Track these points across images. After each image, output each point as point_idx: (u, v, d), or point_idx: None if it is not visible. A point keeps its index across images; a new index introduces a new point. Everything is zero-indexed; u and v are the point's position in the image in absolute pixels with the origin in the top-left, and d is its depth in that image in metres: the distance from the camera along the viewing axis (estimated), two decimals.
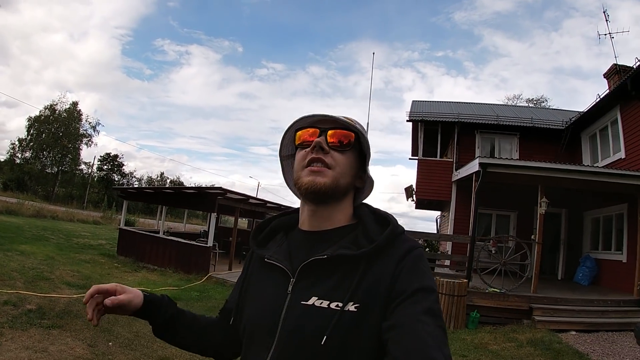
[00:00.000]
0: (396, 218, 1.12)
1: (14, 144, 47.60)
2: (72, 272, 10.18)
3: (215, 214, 14.06)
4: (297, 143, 1.14)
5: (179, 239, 14.63)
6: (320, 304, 0.98)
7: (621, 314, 8.75)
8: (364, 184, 1.18)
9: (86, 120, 51.46)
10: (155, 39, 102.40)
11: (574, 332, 8.03)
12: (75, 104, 50.53)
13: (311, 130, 1.11)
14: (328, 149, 1.07)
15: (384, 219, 1.10)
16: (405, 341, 0.85)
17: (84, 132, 51.20)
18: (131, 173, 61.83)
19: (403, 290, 0.94)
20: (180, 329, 1.25)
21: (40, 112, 48.02)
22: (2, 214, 21.56)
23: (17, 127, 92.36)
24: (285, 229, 1.23)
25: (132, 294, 1.20)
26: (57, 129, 48.22)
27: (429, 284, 0.96)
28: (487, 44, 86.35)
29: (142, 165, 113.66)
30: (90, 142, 51.77)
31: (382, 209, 1.15)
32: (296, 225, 1.20)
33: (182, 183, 64.41)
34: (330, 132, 1.09)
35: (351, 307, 0.95)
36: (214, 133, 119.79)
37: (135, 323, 6.64)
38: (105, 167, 56.36)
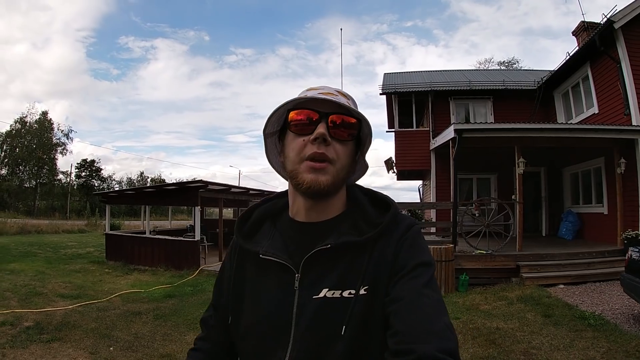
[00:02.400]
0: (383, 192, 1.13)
1: None
2: (65, 283, 10.18)
3: (199, 207, 13.98)
4: (291, 127, 1.02)
5: (166, 237, 14.63)
6: (333, 294, 0.96)
7: (607, 264, 8.98)
8: (356, 171, 1.13)
9: (58, 129, 50.41)
10: (119, 37, 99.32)
11: (562, 286, 8.24)
12: (45, 113, 49.52)
13: (309, 113, 1.00)
14: (330, 140, 0.98)
15: (382, 202, 1.09)
16: (407, 313, 0.85)
17: (58, 141, 50.18)
18: (110, 176, 60.72)
19: (403, 265, 0.94)
20: None
21: (10, 126, 46.97)
22: None
23: None
24: (272, 217, 1.16)
25: None
26: (30, 142, 47.19)
27: (428, 259, 0.97)
28: (455, 10, 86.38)
29: (120, 168, 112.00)
30: (65, 151, 50.79)
31: (363, 184, 1.13)
32: (283, 212, 1.14)
33: (163, 180, 63.61)
34: (332, 118, 0.99)
35: (362, 291, 0.94)
36: (189, 126, 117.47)
37: (133, 325, 6.72)
38: (84, 173, 55.37)
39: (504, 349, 5.09)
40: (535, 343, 5.23)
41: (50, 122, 49.53)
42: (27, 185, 48.08)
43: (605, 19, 11.19)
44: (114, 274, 12.30)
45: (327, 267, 0.98)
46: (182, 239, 14.38)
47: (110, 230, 16.26)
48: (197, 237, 13.36)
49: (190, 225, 18.64)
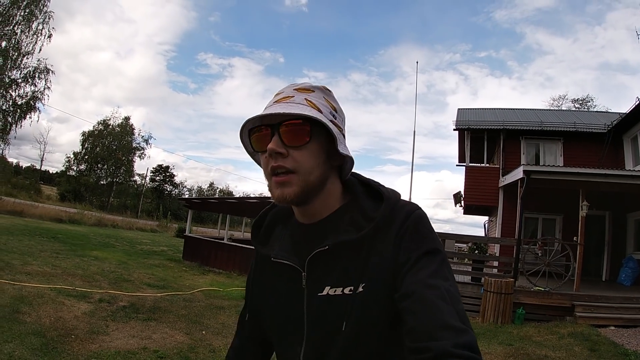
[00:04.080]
0: (382, 184, 1.11)
1: (69, 157, 50.82)
2: (148, 274, 11.48)
3: None
4: (254, 147, 1.05)
5: (243, 245, 15.71)
6: (334, 292, 0.99)
7: None
8: (342, 161, 1.07)
9: (139, 134, 54.17)
10: (199, 53, 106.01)
11: (612, 327, 8.74)
12: (127, 118, 53.27)
13: (263, 130, 1.00)
14: (286, 151, 0.97)
15: (377, 192, 1.08)
16: (418, 309, 0.85)
17: (137, 145, 53.86)
18: (182, 183, 64.35)
19: (408, 257, 0.94)
20: None
21: (93, 127, 51.02)
22: (67, 223, 23.76)
23: (68, 141, 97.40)
24: (283, 220, 1.19)
25: None
26: (111, 143, 50.95)
27: (433, 245, 0.96)
28: (530, 41, 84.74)
29: (189, 176, 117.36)
30: (143, 155, 54.35)
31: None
32: (292, 215, 1.16)
33: (231, 192, 66.73)
34: (282, 128, 0.97)
35: (361, 288, 0.96)
36: None
37: (219, 316, 7.82)
38: (158, 177, 59.08)
39: None
40: None
41: (131, 127, 53.30)
42: (103, 182, 51.81)
43: None
44: (191, 272, 13.55)
45: (329, 266, 1.01)
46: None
47: (179, 233, 17.65)
48: None
49: None
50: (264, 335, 1.23)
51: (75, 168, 50.64)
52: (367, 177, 1.15)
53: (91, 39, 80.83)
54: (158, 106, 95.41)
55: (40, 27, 26.42)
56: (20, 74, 26.84)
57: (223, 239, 17.16)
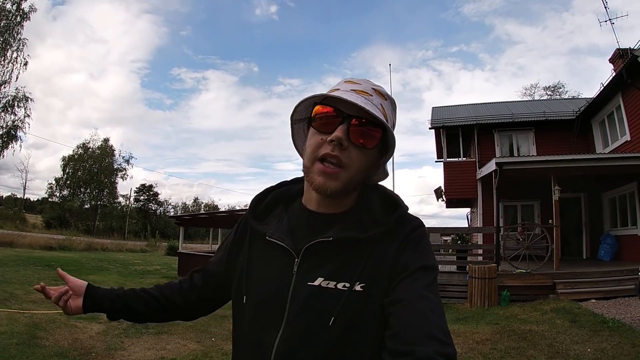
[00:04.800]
0: (405, 202, 1.10)
1: (51, 183, 50.28)
2: None
3: None
4: (313, 121, 1.02)
5: None
6: (327, 284, 0.97)
7: (636, 281, 9.77)
8: (377, 175, 1.12)
9: (119, 155, 53.85)
10: (172, 69, 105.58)
11: (593, 300, 9.22)
12: (106, 140, 52.93)
13: (331, 111, 0.99)
14: (347, 145, 0.97)
15: (391, 200, 1.09)
16: (407, 315, 0.87)
17: (118, 166, 53.56)
18: (166, 201, 64.40)
19: (405, 267, 0.95)
20: (133, 311, 1.26)
21: (73, 151, 50.56)
22: (57, 250, 23.72)
23: (47, 167, 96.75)
24: (285, 202, 1.18)
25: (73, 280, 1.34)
26: (92, 166, 50.53)
27: (431, 262, 0.98)
28: (499, 33, 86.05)
29: (172, 192, 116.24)
30: (125, 176, 54.04)
31: (411, 211, 1.09)
32: (297, 197, 1.16)
33: (216, 206, 66.88)
34: (354, 122, 0.97)
35: (358, 287, 0.96)
36: (239, 154, 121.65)
37: (225, 323, 7.97)
38: (142, 197, 58.89)
39: (533, 342, 6.37)
40: (559, 339, 6.46)
41: (111, 148, 52.96)
42: (87, 206, 51.27)
43: (632, 54, 12.31)
44: None
45: (326, 258, 1.00)
46: None
47: (170, 251, 17.92)
48: None
49: None
50: (209, 294, 1.28)
51: (58, 194, 50.25)
52: (382, 185, 1.16)
53: (63, 62, 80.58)
54: (135, 125, 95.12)
55: (15, 55, 26.40)
56: None
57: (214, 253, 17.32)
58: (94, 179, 50.20)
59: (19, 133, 27.70)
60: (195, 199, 71.45)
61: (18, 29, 26.27)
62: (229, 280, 1.19)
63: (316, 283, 0.99)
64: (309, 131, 1.06)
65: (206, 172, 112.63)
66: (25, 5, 26.18)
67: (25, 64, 26.84)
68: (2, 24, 25.31)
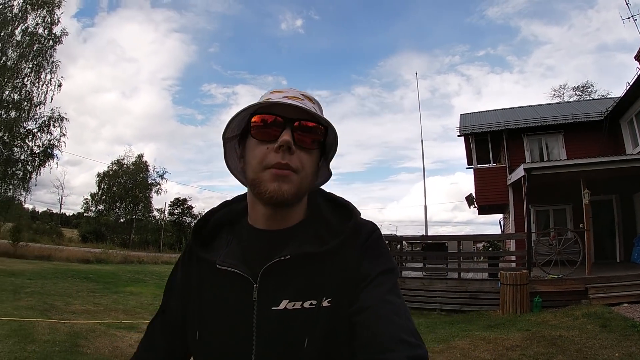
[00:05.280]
0: (355, 205, 1.08)
1: (87, 199, 52.08)
2: None
3: None
4: (253, 133, 0.96)
5: None
6: (293, 306, 0.93)
7: None
8: (320, 177, 1.08)
9: (153, 170, 55.09)
10: (202, 85, 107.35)
11: (625, 304, 9.17)
12: (140, 156, 54.42)
13: (273, 118, 0.94)
14: (295, 149, 0.93)
15: (344, 208, 1.06)
16: (374, 323, 0.85)
17: (153, 181, 54.80)
18: (200, 214, 63.89)
19: (367, 274, 0.94)
20: None
21: (108, 167, 52.26)
22: (94, 263, 24.28)
23: (82, 183, 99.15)
24: (229, 224, 1.11)
25: None
26: (127, 181, 52.15)
27: (390, 265, 0.98)
28: (525, 34, 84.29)
29: (205, 206, 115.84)
30: (160, 190, 55.19)
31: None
32: (242, 218, 1.09)
33: None
34: (297, 124, 0.94)
35: (325, 302, 0.92)
36: None
37: None
38: (176, 211, 59.46)
39: (562, 348, 6.50)
40: (588, 344, 6.56)
41: (145, 164, 54.35)
42: (122, 220, 52.73)
43: None
44: None
45: (287, 278, 0.95)
46: None
47: None
48: None
49: None
50: (174, 346, 1.10)
51: (93, 209, 51.90)
52: (329, 191, 1.13)
53: (95, 81, 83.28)
54: (168, 140, 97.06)
55: (49, 77, 27.37)
56: (35, 124, 27.90)
57: None
58: (129, 193, 51.75)
59: (55, 151, 28.68)
60: None
61: (51, 52, 27.31)
62: (188, 320, 1.07)
63: (281, 307, 0.93)
64: (244, 145, 1.02)
65: (237, 185, 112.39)
66: (56, 30, 27.22)
67: (59, 86, 27.75)
68: (35, 48, 26.34)
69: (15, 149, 27.60)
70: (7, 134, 26.64)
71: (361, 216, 1.05)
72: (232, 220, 1.11)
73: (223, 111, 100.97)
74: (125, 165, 52.76)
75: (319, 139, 0.98)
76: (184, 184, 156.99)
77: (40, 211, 60.31)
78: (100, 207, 51.77)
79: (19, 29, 25.92)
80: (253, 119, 0.96)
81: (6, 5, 25.43)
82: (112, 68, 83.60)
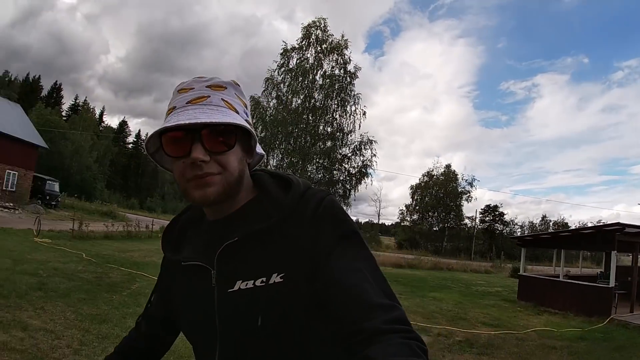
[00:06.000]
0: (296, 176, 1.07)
1: (402, 209, 57.72)
2: (483, 314, 11.86)
3: (615, 251, 13.14)
4: (166, 151, 0.95)
5: (579, 282, 14.61)
6: (246, 285, 0.94)
7: None
8: (253, 158, 1.07)
9: (462, 179, 56.93)
10: (500, 84, 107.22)
11: None
12: (448, 166, 57.35)
13: (179, 134, 0.92)
14: (209, 158, 0.91)
15: (285, 181, 1.06)
16: (345, 295, 0.84)
17: (462, 189, 56.64)
18: (512, 221, 62.66)
19: (325, 245, 0.92)
20: None
21: (419, 179, 57.08)
22: (406, 268, 26.37)
23: (398, 196, 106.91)
24: (193, 224, 1.15)
25: None
26: (438, 191, 55.58)
27: (349, 228, 0.95)
28: None
29: (519, 212, 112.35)
30: (470, 198, 56.70)
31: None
32: (203, 217, 1.12)
33: (566, 224, 60.85)
34: (205, 134, 0.91)
35: (277, 278, 0.92)
36: (588, 161, 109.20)
37: (549, 356, 7.80)
38: (487, 218, 59.48)
39: None
40: None
41: (454, 173, 56.86)
42: (435, 228, 56.24)
43: None
44: (526, 312, 13.15)
45: (239, 259, 0.96)
46: (595, 284, 14.16)
47: (514, 273, 17.06)
48: (612, 283, 12.82)
49: (600, 272, 17.88)
50: (155, 334, 1.24)
51: (408, 219, 57.06)
52: (275, 170, 1.10)
53: (398, 103, 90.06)
54: (474, 147, 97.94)
55: (353, 108, 31.46)
56: (348, 149, 32.29)
57: (558, 277, 15.91)
58: (440, 203, 55.25)
59: (369, 170, 32.55)
60: (543, 217, 66.77)
61: (350, 87, 31.32)
62: (173, 318, 1.17)
63: (236, 288, 0.95)
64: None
65: (554, 187, 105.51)
66: (350, 67, 31.12)
67: (364, 114, 31.74)
68: (336, 87, 30.68)
69: (335, 172, 32.47)
70: (326, 160, 31.77)
71: (310, 187, 1.03)
72: (194, 221, 1.15)
73: (526, 107, 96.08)
74: (435, 176, 56.58)
75: (232, 139, 0.94)
76: (495, 190, 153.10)
77: (362, 222, 68.83)
78: (415, 216, 56.82)
79: (318, 74, 30.74)
80: (162, 138, 0.94)
81: (303, 58, 30.67)
82: (410, 87, 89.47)
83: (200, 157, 0.90)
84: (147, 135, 0.96)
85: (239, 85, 1.04)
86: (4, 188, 29.28)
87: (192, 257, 1.03)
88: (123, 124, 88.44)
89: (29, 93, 70.65)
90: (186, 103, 0.95)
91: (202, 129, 0.90)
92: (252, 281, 0.93)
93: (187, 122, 0.88)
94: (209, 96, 0.95)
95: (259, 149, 1.06)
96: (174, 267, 1.10)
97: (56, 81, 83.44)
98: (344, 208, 1.02)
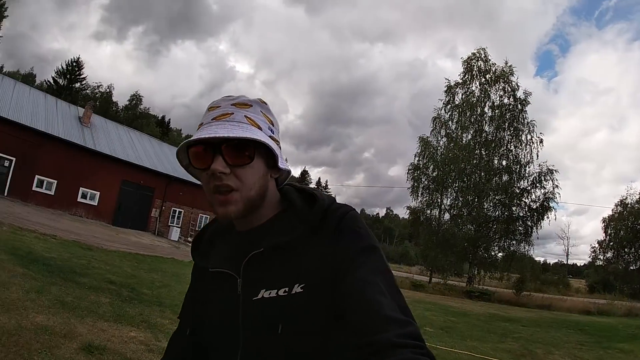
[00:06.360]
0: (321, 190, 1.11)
1: (594, 247, 49.25)
2: None
3: None
4: (192, 163, 1.05)
5: None
6: (269, 294, 0.98)
7: None
8: (280, 174, 1.12)
9: None
10: None
11: None
12: None
13: (201, 149, 1.01)
14: (229, 171, 0.98)
15: (311, 196, 1.09)
16: (360, 307, 0.86)
17: None
18: None
19: (345, 257, 0.95)
20: None
21: (612, 210, 48.68)
22: (595, 315, 23.12)
23: (590, 231, 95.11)
24: (223, 233, 1.20)
25: None
26: (634, 223, 47.65)
27: (369, 242, 0.98)
28: None
29: None
30: None
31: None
32: (233, 226, 1.15)
33: None
34: (225, 149, 0.99)
35: (298, 288, 0.96)
36: None
37: None
38: None
39: None
40: None
41: None
42: (632, 267, 47.38)
43: None
44: None
45: (264, 269, 1.01)
46: None
47: None
48: None
49: None
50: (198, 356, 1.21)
51: (601, 257, 48.78)
52: (302, 185, 1.17)
53: (580, 125, 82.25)
54: None
55: (528, 137, 29.71)
56: (527, 182, 30.29)
57: None
58: (637, 237, 47.47)
59: (552, 204, 30.01)
60: None
61: (522, 115, 29.68)
62: (198, 326, 1.19)
63: (260, 296, 0.99)
64: None
65: None
66: (519, 94, 29.62)
67: (541, 142, 29.75)
68: (507, 116, 29.18)
69: (513, 207, 30.72)
70: (503, 196, 30.13)
71: (334, 202, 1.07)
72: (224, 230, 1.21)
73: None
74: (629, 205, 48.91)
75: (250, 153, 0.99)
76: None
77: (551, 262, 62.51)
78: (608, 254, 48.55)
79: (486, 106, 29.93)
80: (189, 152, 1.03)
81: (468, 92, 30.01)
82: (591, 106, 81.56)
83: (220, 169, 0.96)
84: (178, 148, 1.06)
85: (265, 103, 1.10)
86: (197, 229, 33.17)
87: (220, 264, 1.09)
88: (304, 174, 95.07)
89: None
90: (211, 120, 1.02)
91: (222, 144, 0.97)
92: (276, 290, 0.97)
93: (207, 136, 0.96)
94: (233, 113, 1.02)
95: (284, 164, 1.08)
96: (202, 273, 1.16)
97: None
98: (364, 222, 1.04)
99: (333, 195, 1.14)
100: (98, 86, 67.83)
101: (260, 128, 1.02)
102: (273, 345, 0.96)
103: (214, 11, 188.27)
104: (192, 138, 1.00)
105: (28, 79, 66.90)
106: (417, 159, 38.37)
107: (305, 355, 0.95)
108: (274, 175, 1.08)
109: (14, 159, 25.51)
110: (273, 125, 1.08)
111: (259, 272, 1.01)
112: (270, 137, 1.03)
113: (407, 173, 38.91)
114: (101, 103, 60.00)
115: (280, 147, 1.09)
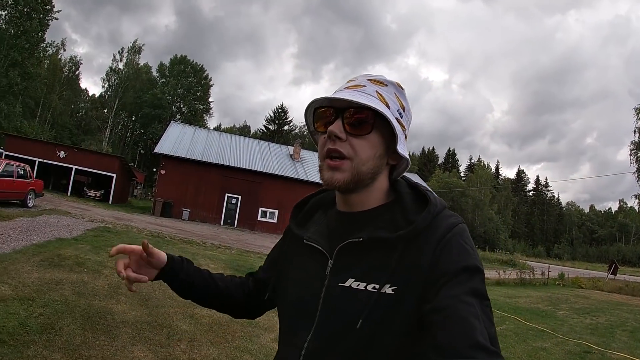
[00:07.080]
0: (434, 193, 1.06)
1: None
2: None
3: None
4: (315, 125, 1.05)
5: None
6: (357, 285, 0.95)
7: None
8: (398, 161, 1.06)
9: None
10: None
11: None
12: None
13: (327, 111, 1.02)
14: (345, 137, 0.97)
15: (423, 196, 1.04)
16: (449, 324, 0.80)
17: None
18: None
19: (445, 271, 0.89)
20: (194, 289, 1.25)
21: None
22: None
23: None
24: (324, 207, 1.19)
25: (158, 252, 1.20)
26: None
27: (474, 263, 0.91)
28: None
29: None
30: None
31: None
32: (334, 203, 1.15)
33: None
34: (346, 114, 0.98)
35: (388, 289, 0.92)
36: None
37: None
38: None
39: None
40: None
41: None
42: None
43: None
44: None
45: (357, 258, 0.98)
46: None
47: None
48: None
49: None
50: (260, 297, 1.28)
51: None
52: (417, 181, 1.11)
53: None
54: None
55: None
56: None
57: None
58: None
59: None
60: None
61: None
62: (276, 285, 1.23)
63: (347, 284, 0.97)
64: None
65: None
66: None
67: None
68: None
69: None
70: None
71: (445, 208, 1.01)
72: (326, 203, 1.20)
73: None
74: None
75: (368, 125, 0.98)
76: None
77: None
78: None
79: None
80: (316, 113, 1.05)
81: None
82: None
83: (336, 131, 0.97)
84: (306, 107, 1.08)
85: (403, 89, 1.08)
86: None
87: (316, 239, 1.08)
88: (520, 173, 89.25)
89: (426, 163, 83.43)
90: (345, 88, 1.03)
91: (346, 110, 0.98)
92: (365, 284, 0.94)
93: (329, 96, 1.00)
94: (365, 86, 1.02)
95: (404, 151, 1.02)
96: (295, 241, 1.17)
97: (449, 148, 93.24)
98: (471, 239, 0.97)
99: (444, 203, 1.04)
100: (304, 125, 73.49)
101: (388, 106, 1.00)
102: (348, 338, 0.94)
103: (394, 30, 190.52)
104: (317, 97, 1.03)
105: (244, 130, 78.88)
106: (637, 135, 34.21)
107: (376, 355, 0.92)
108: (391, 161, 1.05)
109: (239, 196, 31.25)
110: (404, 111, 1.06)
111: (353, 260, 0.99)
112: (396, 119, 1.01)
113: (630, 155, 34.61)
114: (309, 139, 65.46)
115: (406, 137, 1.05)
